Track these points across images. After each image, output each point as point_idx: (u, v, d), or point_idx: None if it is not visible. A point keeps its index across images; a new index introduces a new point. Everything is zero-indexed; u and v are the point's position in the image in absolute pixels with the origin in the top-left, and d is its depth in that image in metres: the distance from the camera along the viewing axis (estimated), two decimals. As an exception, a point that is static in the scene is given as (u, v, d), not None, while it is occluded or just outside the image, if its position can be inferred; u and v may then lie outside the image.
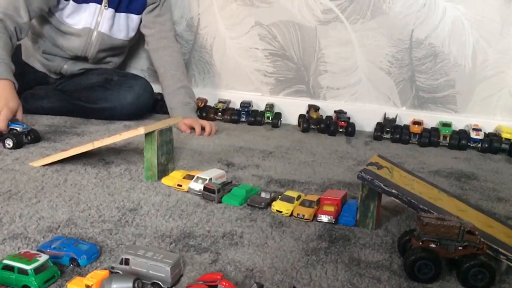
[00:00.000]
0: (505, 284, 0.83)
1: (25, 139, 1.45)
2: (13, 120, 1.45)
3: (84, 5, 1.77)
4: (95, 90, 1.83)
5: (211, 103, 2.03)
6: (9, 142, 1.40)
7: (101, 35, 1.83)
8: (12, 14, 1.57)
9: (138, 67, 2.16)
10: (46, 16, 1.77)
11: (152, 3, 1.87)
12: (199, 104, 1.95)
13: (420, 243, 0.83)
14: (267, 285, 0.78)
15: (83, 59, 1.89)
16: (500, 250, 0.85)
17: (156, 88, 2.01)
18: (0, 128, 1.40)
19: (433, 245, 0.83)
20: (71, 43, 1.82)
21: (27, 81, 1.82)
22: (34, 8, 1.63)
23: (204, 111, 1.97)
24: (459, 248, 0.82)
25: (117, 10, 1.83)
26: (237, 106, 2.01)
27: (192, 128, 1.73)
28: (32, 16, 1.65)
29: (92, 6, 1.78)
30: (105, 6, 1.79)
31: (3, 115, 1.40)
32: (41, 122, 1.71)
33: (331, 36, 1.91)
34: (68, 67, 1.90)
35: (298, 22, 1.93)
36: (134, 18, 1.88)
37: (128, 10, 1.85)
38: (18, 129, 1.43)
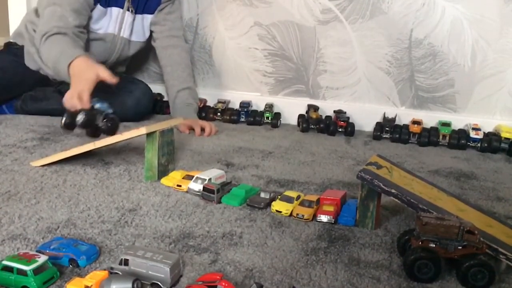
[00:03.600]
0: (504, 283, 0.83)
1: (101, 122, 1.39)
2: (101, 100, 1.44)
3: (108, 9, 1.75)
4: (94, 93, 1.82)
5: (211, 103, 2.03)
6: (80, 117, 1.36)
7: (123, 41, 1.82)
8: (62, 25, 1.59)
9: (138, 67, 2.16)
10: None
11: (167, 1, 1.86)
12: (199, 104, 1.95)
13: (420, 243, 0.83)
14: (266, 285, 0.78)
15: None
16: (500, 249, 0.85)
17: (156, 89, 2.01)
18: (82, 104, 1.39)
19: (432, 245, 0.83)
20: (94, 49, 1.79)
21: (27, 82, 1.81)
22: (82, 21, 1.67)
23: (203, 111, 1.97)
24: (459, 247, 0.82)
25: (136, 12, 1.82)
26: (236, 106, 2.01)
27: (192, 129, 1.72)
28: (80, 24, 1.66)
29: (115, 10, 1.76)
30: (131, 10, 1.78)
31: (83, 91, 1.41)
32: (41, 122, 1.71)
33: (330, 36, 1.91)
34: None
35: (297, 22, 1.93)
36: (149, 18, 1.87)
37: (144, 11, 1.84)
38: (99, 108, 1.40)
